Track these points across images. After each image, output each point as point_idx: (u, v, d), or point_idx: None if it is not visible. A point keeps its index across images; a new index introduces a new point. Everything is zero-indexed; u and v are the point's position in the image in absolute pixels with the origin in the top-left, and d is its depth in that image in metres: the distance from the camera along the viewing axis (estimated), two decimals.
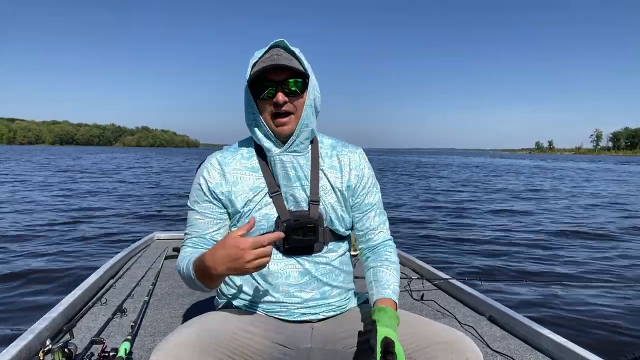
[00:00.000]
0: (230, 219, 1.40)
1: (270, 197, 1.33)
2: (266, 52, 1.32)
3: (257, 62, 1.31)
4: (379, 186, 1.50)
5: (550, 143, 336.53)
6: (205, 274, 1.18)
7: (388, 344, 1.12)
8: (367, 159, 1.47)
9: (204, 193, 1.37)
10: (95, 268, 3.05)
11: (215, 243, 1.33)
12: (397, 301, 1.31)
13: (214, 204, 1.37)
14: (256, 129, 1.34)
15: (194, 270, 1.22)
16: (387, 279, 1.36)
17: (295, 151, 1.33)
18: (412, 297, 2.79)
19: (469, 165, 51.66)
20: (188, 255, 1.30)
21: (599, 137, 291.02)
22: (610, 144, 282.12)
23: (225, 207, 1.37)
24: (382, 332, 1.15)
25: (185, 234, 1.41)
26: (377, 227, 1.45)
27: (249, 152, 1.40)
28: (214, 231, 1.38)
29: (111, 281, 2.95)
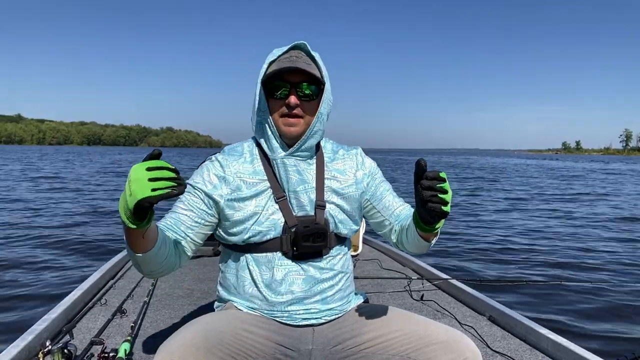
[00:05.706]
0: (217, 223, 1.35)
1: (276, 202, 1.31)
2: (286, 52, 1.30)
3: (274, 60, 1.30)
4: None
5: (577, 143, 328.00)
6: (125, 234, 1.08)
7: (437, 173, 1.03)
8: (366, 155, 1.49)
9: (198, 190, 1.31)
10: (95, 269, 3.06)
11: (183, 239, 1.28)
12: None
13: (205, 203, 1.30)
14: (264, 129, 1.32)
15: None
16: None
17: (299, 156, 1.32)
18: (412, 297, 2.78)
19: (520, 166, 45.99)
20: None
21: (628, 137, 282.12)
22: None
23: (217, 211, 1.31)
24: None
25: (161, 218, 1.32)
26: (400, 205, 1.45)
27: (252, 155, 1.37)
28: (189, 226, 1.29)
29: (111, 282, 2.96)
